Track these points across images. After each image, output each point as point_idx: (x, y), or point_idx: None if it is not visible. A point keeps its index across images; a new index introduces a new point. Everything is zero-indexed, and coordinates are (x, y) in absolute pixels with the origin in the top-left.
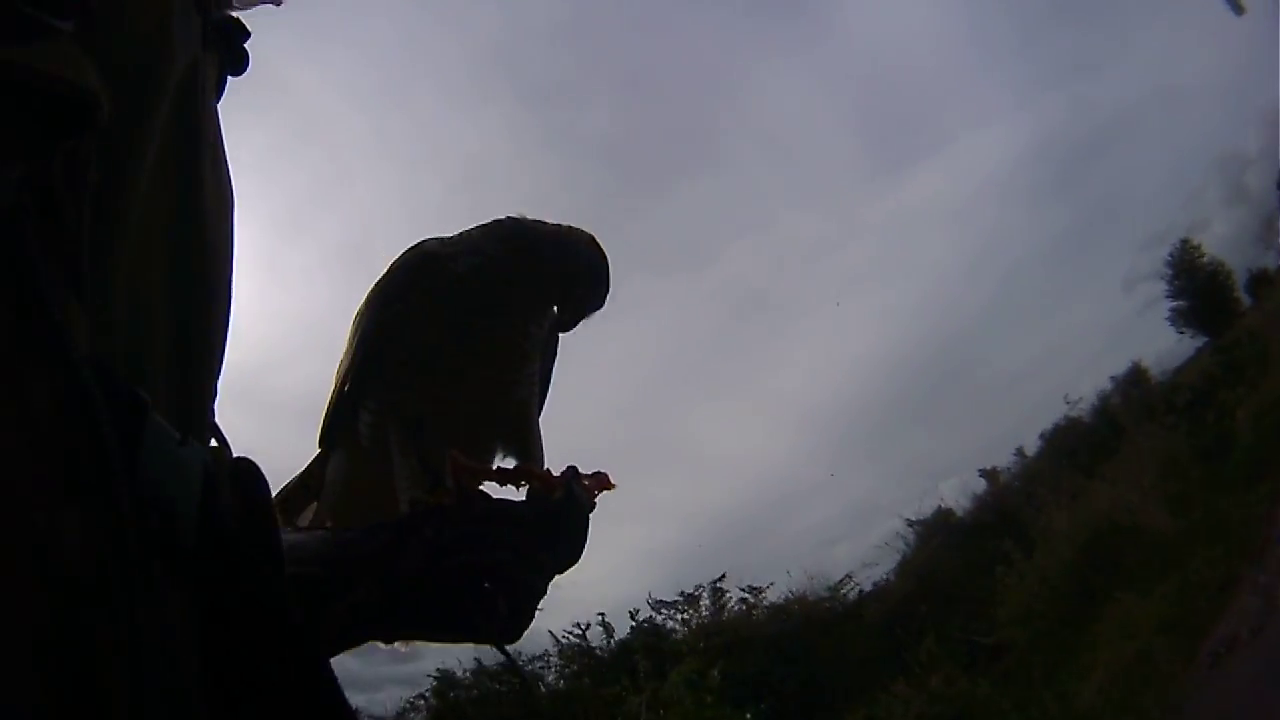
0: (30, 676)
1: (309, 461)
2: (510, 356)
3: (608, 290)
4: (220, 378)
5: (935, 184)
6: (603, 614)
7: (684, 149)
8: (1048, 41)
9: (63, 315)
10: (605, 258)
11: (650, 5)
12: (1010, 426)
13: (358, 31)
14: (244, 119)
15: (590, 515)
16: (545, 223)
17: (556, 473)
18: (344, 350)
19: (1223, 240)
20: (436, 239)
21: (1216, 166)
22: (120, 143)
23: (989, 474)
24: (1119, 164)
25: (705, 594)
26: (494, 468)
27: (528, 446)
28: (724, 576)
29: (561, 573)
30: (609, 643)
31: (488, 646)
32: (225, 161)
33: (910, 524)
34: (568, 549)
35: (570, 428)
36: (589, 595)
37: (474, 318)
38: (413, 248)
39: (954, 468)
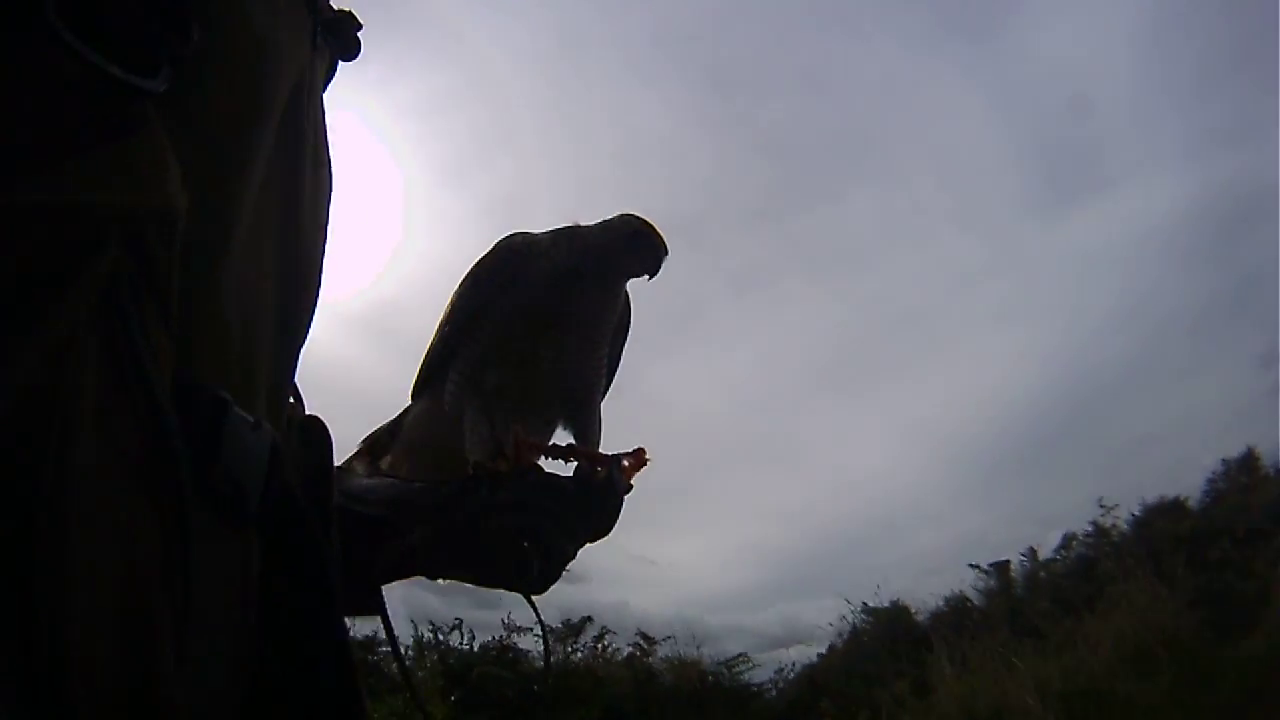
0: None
1: (401, 410)
2: (580, 345)
3: (655, 253)
4: (304, 345)
5: (1096, 228)
6: (460, 619)
7: (855, 155)
8: (1227, 96)
9: (150, 350)
10: (649, 226)
11: (838, 8)
12: (1123, 488)
13: None
14: (416, 61)
15: (624, 498)
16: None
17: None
18: (442, 315)
19: None
20: (523, 234)
21: None
22: (231, 159)
23: (999, 569)
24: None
25: (589, 629)
26: (550, 444)
27: (586, 428)
28: (590, 619)
29: (593, 542)
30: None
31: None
32: (327, 150)
33: (863, 612)
34: (600, 523)
35: (700, 409)
36: (681, 576)
37: (550, 310)
38: (503, 240)
39: (1064, 519)
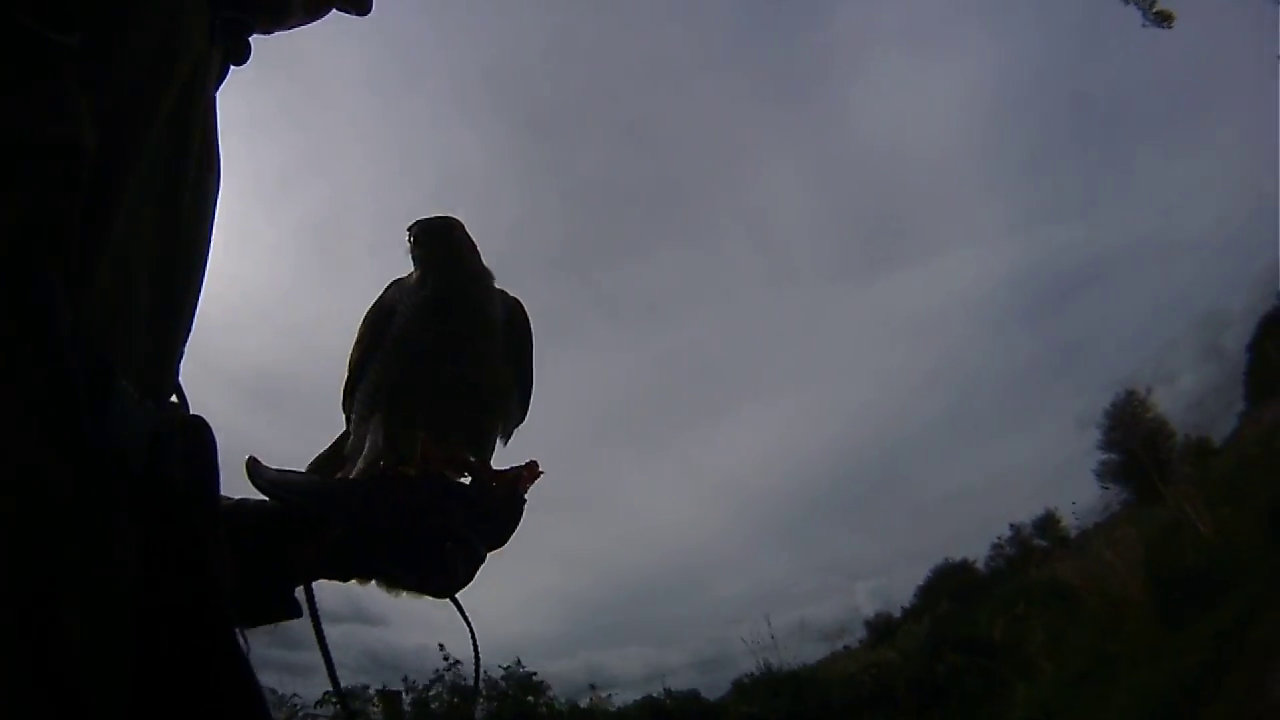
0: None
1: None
2: (468, 392)
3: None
4: (187, 343)
5: (910, 292)
6: None
7: (670, 208)
8: (1054, 174)
9: (54, 299)
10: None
11: (667, 60)
12: (929, 545)
13: (376, 17)
14: (252, 75)
15: (523, 506)
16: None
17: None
18: (351, 346)
19: (1187, 396)
20: (395, 286)
21: (1197, 322)
22: (126, 136)
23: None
24: (1101, 302)
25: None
26: (453, 456)
27: (482, 448)
28: None
29: (496, 548)
30: None
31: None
32: (216, 146)
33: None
34: (504, 528)
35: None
36: (480, 621)
37: (426, 358)
38: (379, 298)
39: (871, 571)
